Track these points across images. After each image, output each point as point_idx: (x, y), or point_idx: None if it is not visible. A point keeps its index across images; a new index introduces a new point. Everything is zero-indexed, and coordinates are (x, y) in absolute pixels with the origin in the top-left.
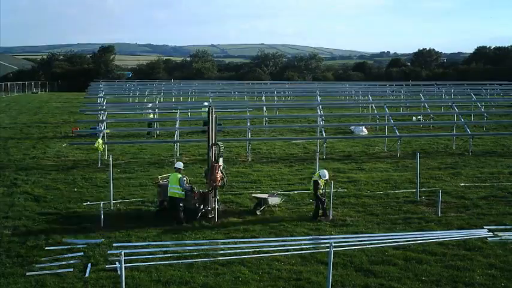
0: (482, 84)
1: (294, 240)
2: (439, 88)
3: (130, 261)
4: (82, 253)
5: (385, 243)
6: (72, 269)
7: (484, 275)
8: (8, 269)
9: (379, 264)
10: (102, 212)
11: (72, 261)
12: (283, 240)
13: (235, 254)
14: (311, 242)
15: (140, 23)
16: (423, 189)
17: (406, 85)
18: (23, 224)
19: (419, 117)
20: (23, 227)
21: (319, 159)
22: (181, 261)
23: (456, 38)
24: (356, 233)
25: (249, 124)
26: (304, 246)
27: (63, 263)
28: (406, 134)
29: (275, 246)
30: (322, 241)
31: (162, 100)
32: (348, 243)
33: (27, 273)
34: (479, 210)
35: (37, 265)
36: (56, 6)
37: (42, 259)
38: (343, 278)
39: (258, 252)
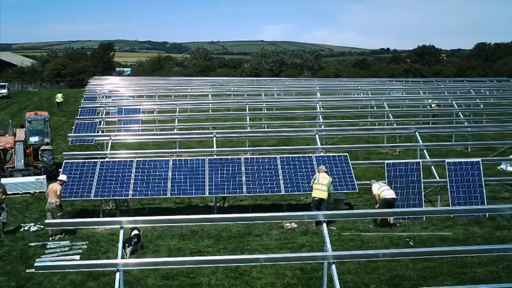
0: (482, 80)
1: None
2: (438, 84)
3: None
4: (81, 250)
5: None
6: None
7: None
8: (8, 266)
9: None
10: (101, 208)
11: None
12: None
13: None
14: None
15: (140, 19)
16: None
17: (405, 82)
18: (24, 221)
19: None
20: (24, 224)
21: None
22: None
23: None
24: None
25: (248, 121)
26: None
27: (66, 258)
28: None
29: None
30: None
31: (161, 97)
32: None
33: (28, 270)
34: None
35: (38, 262)
36: (56, 3)
37: (42, 256)
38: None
39: None
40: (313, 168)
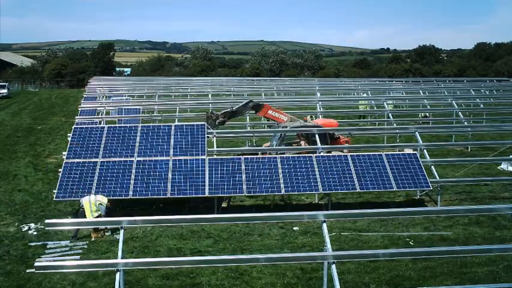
0: (482, 80)
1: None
2: (438, 84)
3: None
4: (81, 250)
5: None
6: None
7: None
8: (8, 266)
9: None
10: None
11: (73, 258)
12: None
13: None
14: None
15: (140, 19)
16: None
17: (405, 82)
18: (25, 221)
19: (426, 114)
20: (25, 224)
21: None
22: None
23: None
24: None
25: (248, 121)
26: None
27: (65, 258)
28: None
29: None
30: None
31: (161, 97)
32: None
33: (28, 271)
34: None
35: (38, 262)
36: (56, 3)
37: (42, 256)
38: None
39: None
40: (313, 168)
